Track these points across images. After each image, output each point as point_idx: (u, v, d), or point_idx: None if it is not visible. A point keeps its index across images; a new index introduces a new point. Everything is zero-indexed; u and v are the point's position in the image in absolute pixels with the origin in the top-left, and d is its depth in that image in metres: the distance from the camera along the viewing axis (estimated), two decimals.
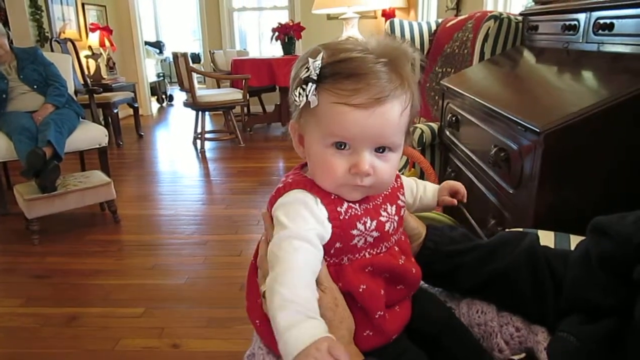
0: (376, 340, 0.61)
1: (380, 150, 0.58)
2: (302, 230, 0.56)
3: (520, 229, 0.94)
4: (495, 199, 1.29)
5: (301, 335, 0.47)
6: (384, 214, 0.63)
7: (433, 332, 0.65)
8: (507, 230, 0.94)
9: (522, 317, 0.66)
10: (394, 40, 0.59)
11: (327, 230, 0.58)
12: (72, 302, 1.91)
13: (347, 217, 0.59)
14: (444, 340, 0.64)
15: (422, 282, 0.78)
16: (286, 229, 0.56)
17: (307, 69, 0.56)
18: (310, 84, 0.55)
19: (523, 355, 0.59)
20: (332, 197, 0.60)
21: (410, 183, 0.80)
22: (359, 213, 0.60)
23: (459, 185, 0.81)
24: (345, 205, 0.60)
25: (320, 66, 0.55)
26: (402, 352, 0.61)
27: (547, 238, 0.90)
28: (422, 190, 0.80)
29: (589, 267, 0.59)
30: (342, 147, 0.57)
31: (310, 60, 0.56)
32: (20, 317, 1.81)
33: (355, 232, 0.60)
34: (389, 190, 0.66)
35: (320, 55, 0.56)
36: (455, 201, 0.80)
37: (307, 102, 0.56)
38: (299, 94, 0.56)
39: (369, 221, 0.60)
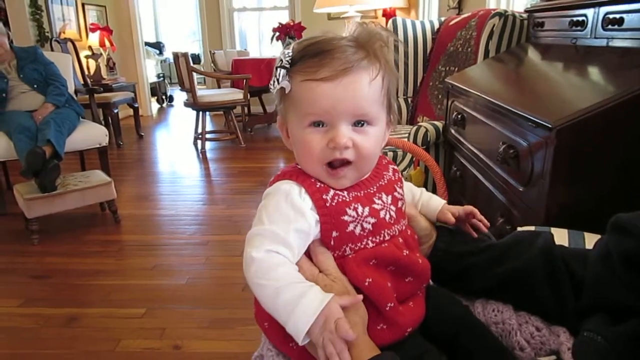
0: (391, 334, 0.59)
1: (360, 125, 0.59)
2: (279, 230, 0.57)
3: (533, 228, 0.92)
4: (504, 197, 1.27)
5: (308, 308, 0.52)
6: (377, 201, 0.63)
7: (450, 332, 0.62)
8: (519, 229, 0.91)
9: (540, 318, 0.64)
10: (367, 27, 0.61)
11: (310, 222, 0.59)
12: (71, 302, 1.89)
13: (333, 204, 0.60)
14: (462, 340, 0.62)
15: (434, 284, 0.75)
16: (262, 225, 0.59)
17: (281, 60, 0.60)
18: (279, 69, 0.59)
19: (554, 357, 0.57)
20: (318, 186, 0.61)
21: (414, 189, 0.78)
22: (348, 200, 0.61)
23: (474, 209, 0.74)
24: (332, 192, 0.61)
25: (291, 54, 0.59)
26: (422, 353, 0.58)
27: (560, 236, 0.87)
28: (425, 199, 0.77)
29: (611, 266, 0.56)
30: (319, 125, 0.59)
31: (283, 51, 0.60)
32: (19, 317, 1.79)
33: (347, 218, 0.60)
34: (385, 181, 0.66)
35: (292, 45, 0.60)
36: (453, 220, 0.73)
37: (282, 89, 0.59)
38: (273, 82, 0.59)
39: (360, 207, 0.61)
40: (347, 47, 0.58)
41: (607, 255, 0.58)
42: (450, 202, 0.77)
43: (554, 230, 0.89)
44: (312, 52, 0.58)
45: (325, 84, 0.56)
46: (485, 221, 0.75)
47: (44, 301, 1.90)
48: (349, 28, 0.61)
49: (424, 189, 0.80)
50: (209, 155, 4.43)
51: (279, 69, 0.59)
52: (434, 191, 1.85)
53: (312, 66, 0.57)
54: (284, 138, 0.66)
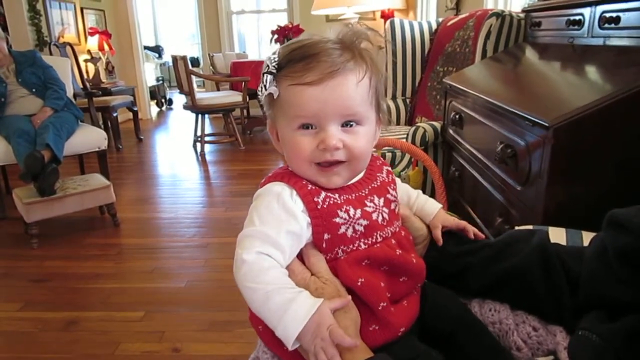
0: (383, 335, 0.59)
1: (349, 125, 0.60)
2: (270, 231, 0.57)
3: (530, 226, 0.91)
4: (502, 197, 1.27)
5: (297, 314, 0.51)
6: (369, 204, 0.63)
7: (448, 329, 0.62)
8: (515, 228, 0.91)
9: (537, 317, 0.63)
10: (353, 28, 0.61)
11: (301, 224, 0.59)
12: (71, 306, 1.88)
13: (325, 207, 0.60)
14: (459, 338, 0.61)
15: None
16: (253, 226, 0.59)
17: (267, 66, 0.60)
18: (266, 75, 0.59)
19: (551, 357, 0.56)
20: (309, 188, 0.60)
21: (410, 191, 0.78)
22: (339, 202, 0.60)
23: (468, 226, 0.74)
24: (323, 194, 0.60)
25: (277, 59, 0.59)
26: (416, 355, 0.58)
27: (558, 235, 0.87)
28: (421, 203, 0.76)
29: (607, 262, 0.56)
30: (309, 127, 0.59)
31: (269, 56, 0.60)
32: (18, 321, 1.79)
33: (338, 220, 0.59)
34: (378, 184, 0.66)
35: (278, 50, 0.61)
36: (440, 241, 0.72)
37: (270, 94, 0.59)
38: (261, 88, 0.59)
39: (352, 209, 0.60)
40: (332, 50, 0.58)
41: (602, 251, 0.58)
42: (449, 203, 0.77)
43: (551, 229, 0.89)
44: (298, 56, 0.58)
45: (313, 88, 0.57)
46: (481, 235, 0.74)
47: (44, 305, 1.90)
48: (334, 30, 0.61)
49: (420, 192, 0.79)
50: (208, 157, 4.43)
51: (266, 75, 0.59)
52: (433, 191, 1.85)
53: (299, 70, 0.57)
54: (274, 141, 0.66)
